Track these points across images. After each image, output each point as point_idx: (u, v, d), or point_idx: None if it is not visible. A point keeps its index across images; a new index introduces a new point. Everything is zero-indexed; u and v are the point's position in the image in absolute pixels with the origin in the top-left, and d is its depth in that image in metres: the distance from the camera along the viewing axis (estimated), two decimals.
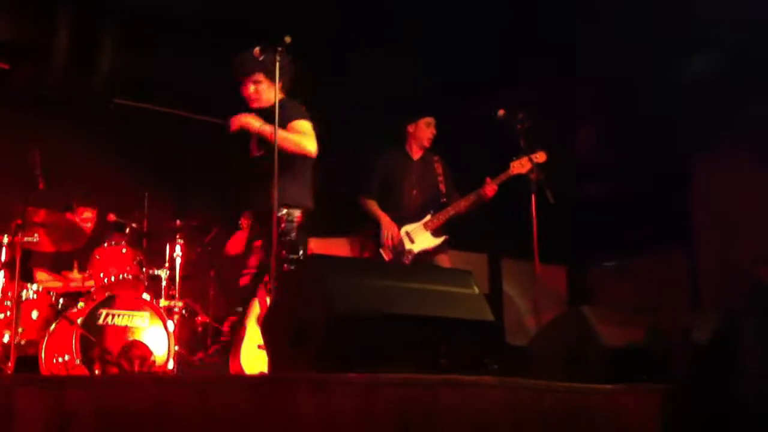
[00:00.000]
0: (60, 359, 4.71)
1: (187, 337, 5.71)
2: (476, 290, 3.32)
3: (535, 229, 5.01)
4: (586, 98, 7.32)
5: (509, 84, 6.86)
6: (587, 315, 3.80)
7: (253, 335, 5.45)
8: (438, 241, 5.52)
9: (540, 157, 5.38)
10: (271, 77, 4.46)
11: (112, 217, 5.79)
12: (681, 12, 6.06)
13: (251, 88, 4.59)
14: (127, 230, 5.65)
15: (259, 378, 3.69)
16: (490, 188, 5.47)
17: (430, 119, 5.76)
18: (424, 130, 5.74)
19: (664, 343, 3.90)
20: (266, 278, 4.35)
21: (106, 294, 4.98)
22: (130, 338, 4.89)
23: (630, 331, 3.88)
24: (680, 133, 7.02)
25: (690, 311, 6.92)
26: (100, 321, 4.83)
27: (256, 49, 4.27)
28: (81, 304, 5.00)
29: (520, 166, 5.42)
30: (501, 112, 5.20)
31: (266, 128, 4.39)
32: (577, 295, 8.10)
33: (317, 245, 6.81)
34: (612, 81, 6.92)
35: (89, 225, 5.88)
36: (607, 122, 7.62)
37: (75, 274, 5.63)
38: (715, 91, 6.64)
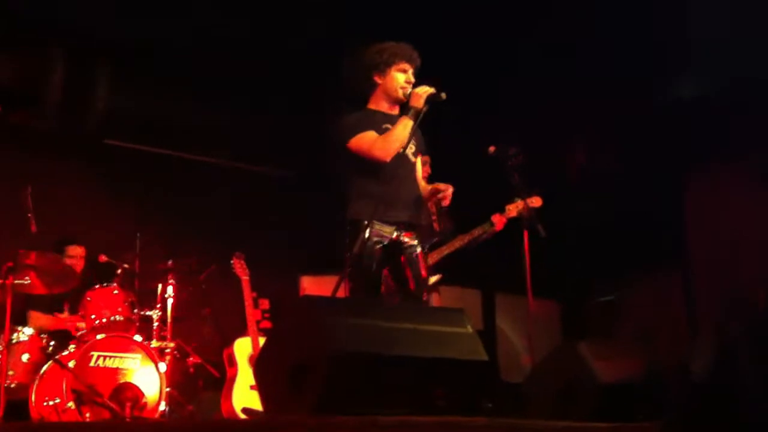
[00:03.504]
0: (50, 402, 4.66)
1: (178, 378, 5.66)
2: (469, 329, 3.30)
3: (528, 264, 5.01)
4: (574, 119, 7.17)
5: (493, 112, 6.77)
6: (581, 351, 3.76)
7: (244, 375, 5.42)
8: (432, 279, 5.50)
9: (536, 201, 5.40)
10: None
11: (103, 258, 5.77)
12: (675, 31, 5.97)
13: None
14: (119, 271, 5.63)
15: (253, 422, 3.65)
16: (501, 223, 5.52)
17: (425, 158, 5.76)
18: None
19: (660, 377, 3.86)
20: None
21: (98, 336, 4.94)
22: (122, 380, 4.85)
23: (625, 366, 3.82)
24: (673, 152, 6.87)
25: (687, 341, 6.83)
26: (92, 363, 4.79)
27: None
28: (72, 347, 4.95)
29: (515, 209, 5.44)
30: (491, 149, 5.18)
31: None
32: (571, 329, 8.04)
33: (310, 284, 6.80)
34: (600, 101, 6.78)
35: (79, 261, 5.83)
36: (597, 143, 7.48)
37: (66, 316, 5.59)
38: (709, 108, 6.53)
